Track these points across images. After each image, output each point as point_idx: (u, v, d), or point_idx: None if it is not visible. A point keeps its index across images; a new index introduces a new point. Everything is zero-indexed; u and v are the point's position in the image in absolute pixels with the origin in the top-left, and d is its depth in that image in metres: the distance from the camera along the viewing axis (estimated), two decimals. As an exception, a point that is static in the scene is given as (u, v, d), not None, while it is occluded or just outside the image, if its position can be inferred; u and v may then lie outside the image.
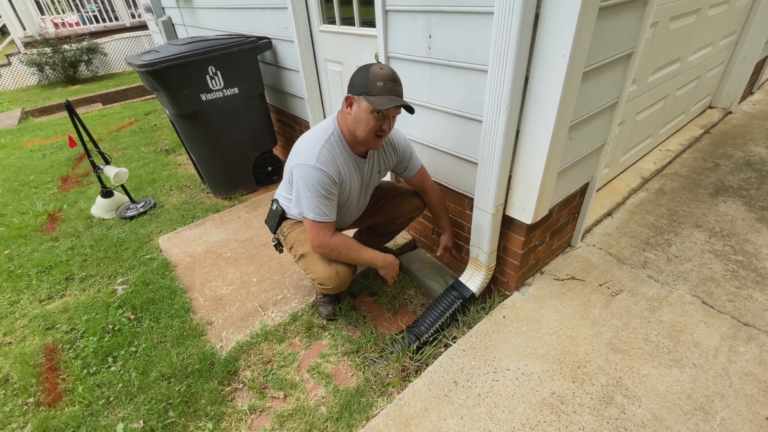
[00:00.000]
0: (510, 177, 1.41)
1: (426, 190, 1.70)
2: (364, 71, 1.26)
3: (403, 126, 1.80)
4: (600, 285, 1.71)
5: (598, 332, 1.49)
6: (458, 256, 1.89)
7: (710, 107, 3.35)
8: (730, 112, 3.28)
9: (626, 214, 2.16)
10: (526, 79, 1.18)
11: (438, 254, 1.84)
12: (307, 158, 1.33)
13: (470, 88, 1.37)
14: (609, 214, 2.17)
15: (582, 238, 1.98)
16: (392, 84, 1.25)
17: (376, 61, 1.37)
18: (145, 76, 2.23)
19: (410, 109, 1.29)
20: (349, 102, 1.31)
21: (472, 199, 1.54)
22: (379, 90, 1.24)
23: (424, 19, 1.40)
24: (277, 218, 1.60)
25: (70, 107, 2.44)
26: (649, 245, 1.92)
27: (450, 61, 1.39)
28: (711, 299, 1.59)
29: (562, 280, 1.75)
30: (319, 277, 1.49)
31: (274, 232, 1.66)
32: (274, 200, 1.63)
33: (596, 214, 2.12)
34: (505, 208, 1.50)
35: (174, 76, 2.21)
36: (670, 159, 2.64)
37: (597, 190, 2.25)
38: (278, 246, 1.70)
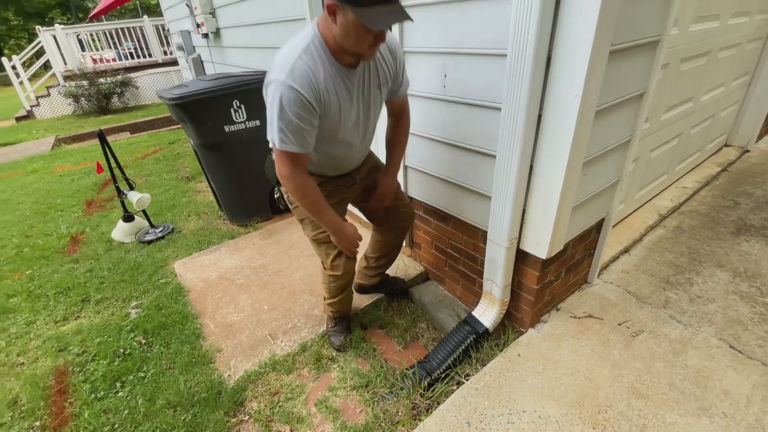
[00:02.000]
0: (524, 211, 1.41)
1: (403, 114, 1.47)
2: None
3: (417, 158, 1.84)
4: (619, 324, 1.65)
5: (618, 375, 1.43)
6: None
7: (726, 145, 3.33)
8: (747, 151, 3.25)
9: (644, 251, 2.11)
10: (539, 117, 1.21)
11: (372, 206, 1.62)
12: (280, 72, 1.06)
13: (484, 125, 1.41)
14: (626, 250, 2.13)
15: (599, 275, 1.94)
16: None
17: None
18: (174, 109, 2.36)
19: (409, 18, 1.01)
20: (330, 10, 1.01)
21: (486, 232, 1.54)
22: (369, 1, 0.95)
23: (439, 60, 1.47)
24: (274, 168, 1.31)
25: (101, 136, 2.58)
26: (670, 284, 1.86)
27: (464, 98, 1.44)
28: (739, 344, 1.51)
29: (579, 318, 1.70)
30: (327, 262, 1.48)
31: (276, 184, 1.44)
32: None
33: (613, 250, 2.09)
34: (519, 242, 1.49)
35: (201, 109, 2.34)
36: (687, 196, 2.61)
37: (613, 226, 2.23)
38: (281, 199, 1.56)
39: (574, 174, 1.26)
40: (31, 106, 8.76)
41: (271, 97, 1.08)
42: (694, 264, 1.98)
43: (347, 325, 1.81)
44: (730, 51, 2.49)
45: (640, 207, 2.48)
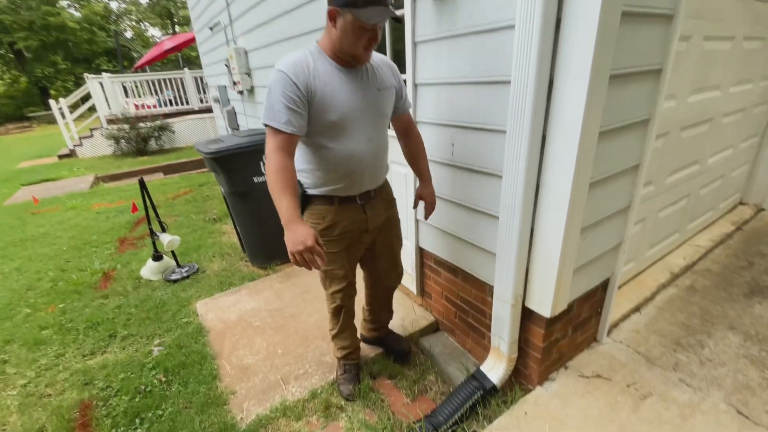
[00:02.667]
0: (527, 270, 1.49)
1: (411, 130, 1.61)
2: None
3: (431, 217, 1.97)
4: (628, 386, 1.64)
5: (626, 439, 1.42)
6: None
7: (742, 203, 3.35)
8: (763, 209, 3.25)
9: (655, 311, 2.12)
10: (537, 185, 1.33)
11: (425, 217, 1.73)
12: (278, 64, 1.23)
13: (487, 189, 1.54)
14: (637, 309, 2.14)
15: (608, 334, 1.95)
16: None
17: None
18: (209, 161, 2.61)
19: (397, 20, 1.22)
20: (331, 16, 1.20)
21: (493, 287, 1.62)
22: (364, 1, 1.13)
23: (448, 132, 1.64)
24: (301, 201, 1.43)
25: (142, 182, 2.84)
26: (681, 346, 1.85)
27: (469, 165, 1.59)
28: (747, 409, 1.49)
29: (588, 377, 1.70)
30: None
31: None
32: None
33: (623, 308, 2.10)
34: (524, 300, 1.56)
35: (233, 162, 2.58)
36: (700, 255, 2.62)
37: (624, 284, 2.27)
38: None
39: (573, 239, 1.36)
40: (74, 146, 9.50)
41: (268, 84, 1.24)
42: (706, 326, 1.98)
43: (356, 373, 1.86)
44: (735, 116, 2.60)
45: (652, 265, 2.50)
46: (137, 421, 1.73)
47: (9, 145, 13.51)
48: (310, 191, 1.46)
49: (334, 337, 1.82)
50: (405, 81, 1.63)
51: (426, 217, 1.75)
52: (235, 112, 4.92)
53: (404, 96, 1.52)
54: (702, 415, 1.50)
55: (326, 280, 1.66)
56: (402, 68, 1.87)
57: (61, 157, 9.46)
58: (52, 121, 19.60)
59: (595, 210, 1.42)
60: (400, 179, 2.32)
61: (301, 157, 1.41)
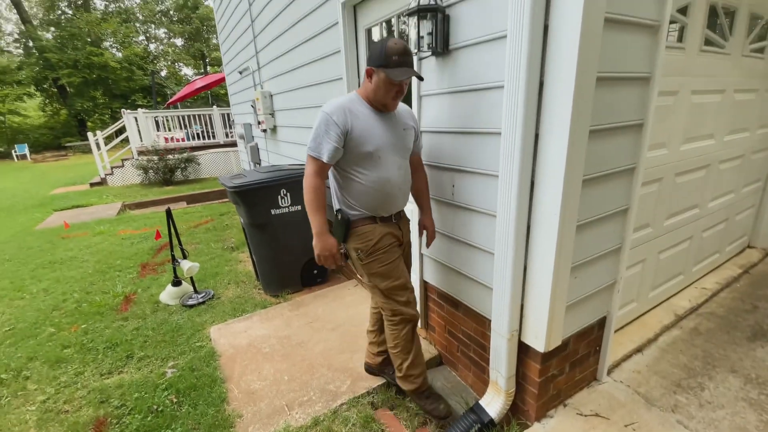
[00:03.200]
0: (522, 306, 1.58)
1: (420, 167, 1.87)
2: (381, 45, 1.48)
3: (432, 248, 2.09)
4: (626, 426, 1.66)
5: (621, 480, 1.43)
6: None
7: (749, 247, 3.35)
8: (773, 254, 3.24)
9: (658, 352, 2.13)
10: (528, 225, 1.45)
11: (428, 245, 1.95)
12: (324, 106, 1.55)
13: (484, 227, 1.66)
14: (639, 350, 2.15)
15: (609, 373, 1.97)
16: (405, 57, 1.47)
17: (389, 36, 1.63)
18: (232, 194, 2.82)
19: (420, 77, 1.58)
20: (368, 73, 1.53)
21: (490, 322, 1.69)
22: (395, 63, 1.45)
23: (449, 174, 1.79)
24: (344, 227, 1.67)
25: (169, 212, 3.06)
26: (681, 388, 1.86)
27: (468, 205, 1.72)
28: (751, 458, 1.49)
29: (586, 416, 1.72)
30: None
31: (343, 241, 1.72)
32: (338, 210, 1.71)
33: (625, 348, 2.12)
34: (520, 335, 1.63)
35: (253, 196, 2.78)
36: (706, 298, 2.62)
37: (627, 324, 2.30)
38: (345, 256, 1.77)
39: (563, 276, 1.45)
40: (105, 174, 10.08)
41: (316, 121, 1.55)
42: (707, 368, 1.98)
43: (434, 390, 1.92)
44: (733, 163, 2.69)
45: (657, 306, 2.52)
46: (148, 439, 1.81)
47: (45, 172, 14.37)
48: (354, 216, 1.67)
49: (410, 366, 1.81)
50: (411, 128, 1.83)
51: (428, 245, 1.96)
52: (258, 148, 5.25)
53: (419, 137, 1.81)
54: (700, 459, 1.50)
55: (391, 296, 1.72)
56: (409, 116, 2.06)
57: (92, 184, 10.03)
58: (86, 150, 20.89)
59: (584, 250, 1.52)
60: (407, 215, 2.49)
61: (343, 189, 1.66)
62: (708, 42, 2.08)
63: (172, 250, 3.16)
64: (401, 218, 1.81)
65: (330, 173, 1.67)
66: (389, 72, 1.46)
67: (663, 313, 2.45)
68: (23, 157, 19.33)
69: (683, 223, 2.44)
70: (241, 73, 5.54)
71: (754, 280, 2.86)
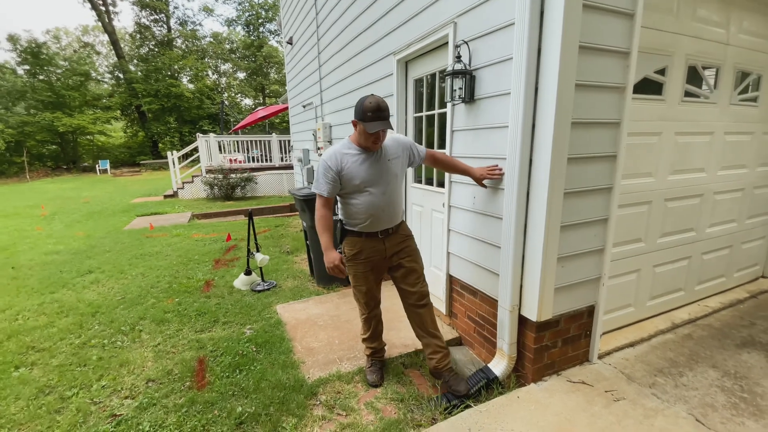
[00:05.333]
0: (521, 286, 2.10)
1: (437, 159, 2.29)
2: (360, 103, 1.92)
3: (457, 247, 2.65)
4: (606, 391, 2.08)
5: (593, 422, 1.86)
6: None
7: (763, 276, 3.56)
8: (786, 284, 3.44)
9: (648, 348, 2.50)
10: (525, 225, 2.00)
11: (486, 175, 2.17)
12: (323, 154, 2.06)
13: (494, 228, 2.22)
14: (631, 345, 2.54)
15: (600, 358, 2.38)
16: (378, 112, 1.88)
17: (369, 95, 1.95)
18: (299, 202, 3.57)
19: (391, 128, 1.97)
20: (354, 123, 2.00)
21: (498, 302, 2.22)
22: (369, 118, 1.88)
23: (471, 188, 2.40)
24: (341, 233, 2.21)
25: (250, 214, 3.85)
26: (662, 373, 2.23)
27: (484, 211, 2.30)
28: (704, 419, 1.86)
29: (574, 382, 2.16)
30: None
31: (340, 242, 2.23)
32: (339, 220, 2.21)
33: (618, 342, 2.52)
34: (520, 309, 2.14)
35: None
36: (706, 313, 2.93)
37: (624, 326, 2.69)
38: (341, 254, 2.19)
39: (551, 264, 1.97)
40: (177, 189, 11.52)
41: (317, 166, 2.07)
42: (691, 363, 2.33)
43: (380, 367, 2.39)
44: (732, 195, 3.04)
45: (656, 315, 2.88)
46: (238, 370, 2.46)
47: (124, 185, 16.44)
48: (347, 227, 2.19)
49: (364, 340, 2.40)
50: (445, 153, 2.47)
51: (497, 176, 2.14)
52: (313, 170, 6.10)
53: (415, 152, 2.22)
54: (663, 417, 1.89)
55: (356, 293, 2.29)
56: (444, 146, 2.71)
57: (166, 196, 11.48)
58: (156, 168, 23.52)
59: (568, 245, 2.03)
60: (417, 214, 3.11)
61: (342, 209, 2.19)
62: (689, 94, 2.57)
63: (248, 244, 3.93)
64: (389, 235, 2.17)
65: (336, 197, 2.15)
66: (365, 125, 1.90)
67: (661, 321, 2.81)
68: (104, 171, 22.08)
69: (678, 243, 2.82)
70: (305, 106, 6.53)
71: (760, 303, 3.11)
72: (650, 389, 2.10)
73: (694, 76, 2.59)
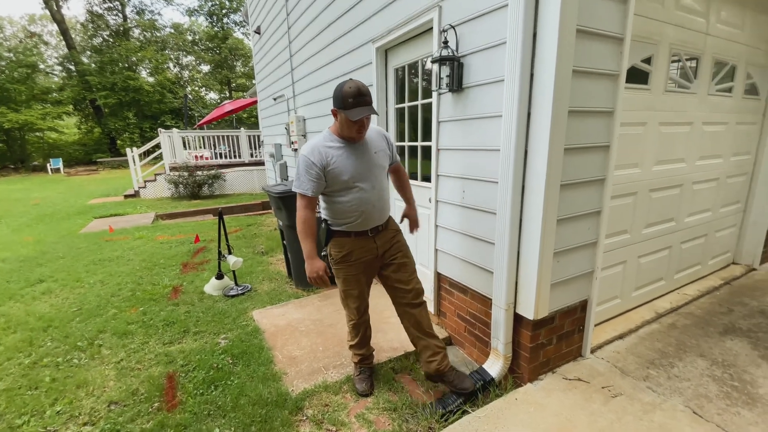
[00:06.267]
0: (516, 284, 2.01)
1: (398, 170, 2.16)
2: (339, 90, 1.72)
3: (445, 243, 2.54)
4: (602, 387, 2.03)
5: (594, 420, 1.80)
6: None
7: (734, 263, 3.69)
8: (754, 269, 3.58)
9: (637, 339, 2.50)
10: (521, 220, 1.90)
11: (411, 232, 2.23)
12: (302, 149, 1.84)
13: (486, 223, 2.12)
14: (621, 337, 2.53)
15: (592, 352, 2.35)
16: (360, 98, 1.69)
17: (348, 80, 1.76)
18: (275, 200, 3.34)
19: (375, 113, 1.75)
20: (334, 113, 1.80)
21: (492, 301, 2.12)
22: (350, 105, 1.69)
23: (460, 182, 2.28)
24: (327, 234, 1.99)
25: (220, 214, 3.58)
26: (654, 365, 2.22)
27: (475, 206, 2.19)
28: (701, 411, 1.85)
29: (570, 379, 2.10)
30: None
31: (325, 244, 2.02)
32: (324, 221, 2.00)
33: (608, 335, 2.50)
34: (515, 307, 2.05)
35: (293, 201, 3.29)
36: (686, 301, 2.98)
37: (612, 318, 2.68)
38: (326, 258, 2.04)
39: (547, 259, 1.89)
40: (139, 188, 10.83)
41: (297, 162, 1.87)
42: (679, 353, 2.34)
43: (369, 374, 2.24)
44: (708, 184, 3.11)
45: (640, 305, 2.89)
46: (213, 386, 2.24)
47: (80, 185, 15.33)
48: (334, 227, 1.98)
49: (352, 347, 2.22)
50: (431, 146, 2.34)
51: (411, 232, 2.29)
52: (287, 166, 5.83)
53: (393, 154, 2.08)
54: (661, 411, 1.86)
55: (346, 299, 2.09)
56: (429, 138, 2.58)
57: (126, 196, 10.77)
58: (115, 166, 22.12)
59: (564, 239, 1.96)
60: (424, 219, 2.94)
61: (327, 208, 1.97)
62: (673, 84, 2.57)
63: (219, 246, 3.66)
64: (379, 232, 2.01)
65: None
66: (347, 113, 1.71)
67: (646, 311, 2.82)
68: (57, 170, 20.53)
69: (661, 234, 2.84)
70: (275, 99, 6.22)
71: (734, 290, 3.20)
72: (645, 382, 2.07)
73: (676, 66, 2.58)
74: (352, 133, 1.81)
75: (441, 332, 2.70)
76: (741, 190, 3.48)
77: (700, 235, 3.21)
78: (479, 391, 2.06)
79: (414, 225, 2.31)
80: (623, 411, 1.86)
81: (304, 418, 1.97)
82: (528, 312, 1.97)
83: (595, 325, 2.53)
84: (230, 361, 2.48)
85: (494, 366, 2.13)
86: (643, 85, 2.39)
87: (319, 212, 2.03)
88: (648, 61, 2.37)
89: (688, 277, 3.25)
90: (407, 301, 2.09)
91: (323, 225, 2.02)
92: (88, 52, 25.24)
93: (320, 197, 1.97)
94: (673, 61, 2.54)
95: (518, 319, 2.06)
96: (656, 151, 2.59)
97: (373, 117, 3.14)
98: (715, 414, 1.82)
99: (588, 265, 2.14)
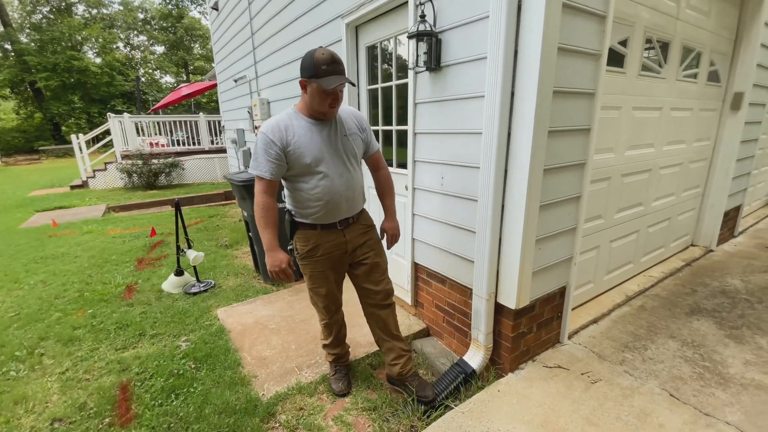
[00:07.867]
0: (498, 272, 1.94)
1: (380, 168, 1.93)
2: (310, 57, 1.52)
3: (423, 233, 2.43)
4: (582, 374, 2.02)
5: (577, 408, 1.78)
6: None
7: (693, 245, 3.86)
8: (711, 251, 3.76)
9: (610, 323, 2.53)
10: (503, 206, 1.82)
11: (388, 247, 1.98)
12: (262, 126, 1.62)
13: (466, 210, 2.02)
14: (595, 321, 2.55)
15: (570, 338, 2.34)
16: (334, 65, 1.52)
17: (318, 47, 1.57)
18: (238, 188, 3.09)
19: (351, 83, 1.60)
20: (302, 85, 1.59)
21: (472, 290, 2.04)
22: (324, 72, 1.50)
23: (438, 167, 2.16)
24: (291, 226, 1.81)
25: (177, 205, 3.28)
26: (628, 348, 2.25)
27: (455, 193, 2.09)
28: (677, 393, 1.87)
29: (550, 367, 2.08)
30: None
31: (291, 238, 1.84)
32: (287, 210, 1.81)
33: (583, 320, 2.51)
34: (496, 297, 1.98)
35: (259, 189, 3.06)
36: (652, 283, 3.07)
37: (585, 303, 2.70)
38: (292, 252, 1.86)
39: (529, 247, 1.82)
40: (87, 178, 9.98)
41: (255, 140, 1.65)
42: (651, 335, 2.39)
43: (346, 373, 2.11)
44: (673, 169, 3.18)
45: (611, 289, 2.94)
46: (173, 395, 2.04)
47: (19, 175, 13.96)
48: (298, 219, 1.79)
49: (325, 346, 2.09)
50: (407, 130, 2.20)
51: (389, 248, 2.03)
52: (250, 153, 5.50)
53: (370, 140, 1.87)
54: (640, 395, 1.87)
55: (314, 297, 1.94)
56: (405, 122, 2.44)
57: (73, 187, 9.90)
58: (60, 154, 20.33)
59: (546, 226, 1.90)
60: (400, 207, 2.82)
61: (290, 196, 1.78)
62: (645, 68, 2.56)
63: (177, 240, 3.37)
64: (349, 225, 1.83)
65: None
66: (320, 82, 1.51)
67: (616, 294, 2.87)
68: (-8, 160, 18.63)
69: (631, 218, 2.88)
70: (236, 81, 5.83)
71: (695, 271, 3.34)
72: (621, 366, 2.08)
73: (648, 50, 2.58)
74: (323, 107, 1.61)
75: (419, 324, 2.62)
76: (701, 175, 3.61)
77: (664, 219, 3.31)
78: (461, 384, 1.99)
79: (393, 240, 2.03)
80: (604, 397, 1.85)
81: (277, 425, 1.82)
82: (510, 301, 1.90)
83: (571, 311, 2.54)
84: (192, 366, 2.27)
85: (475, 357, 2.06)
86: (619, 68, 2.36)
87: (283, 201, 1.85)
88: (624, 43, 2.33)
89: (653, 260, 3.35)
90: (375, 302, 1.96)
91: (287, 216, 1.83)
92: (27, 30, 22.80)
93: (283, 183, 1.77)
94: (647, 48, 2.54)
95: (499, 309, 2.00)
96: (629, 136, 2.59)
97: (345, 97, 2.96)
98: (691, 396, 1.85)
99: (567, 252, 2.10)
